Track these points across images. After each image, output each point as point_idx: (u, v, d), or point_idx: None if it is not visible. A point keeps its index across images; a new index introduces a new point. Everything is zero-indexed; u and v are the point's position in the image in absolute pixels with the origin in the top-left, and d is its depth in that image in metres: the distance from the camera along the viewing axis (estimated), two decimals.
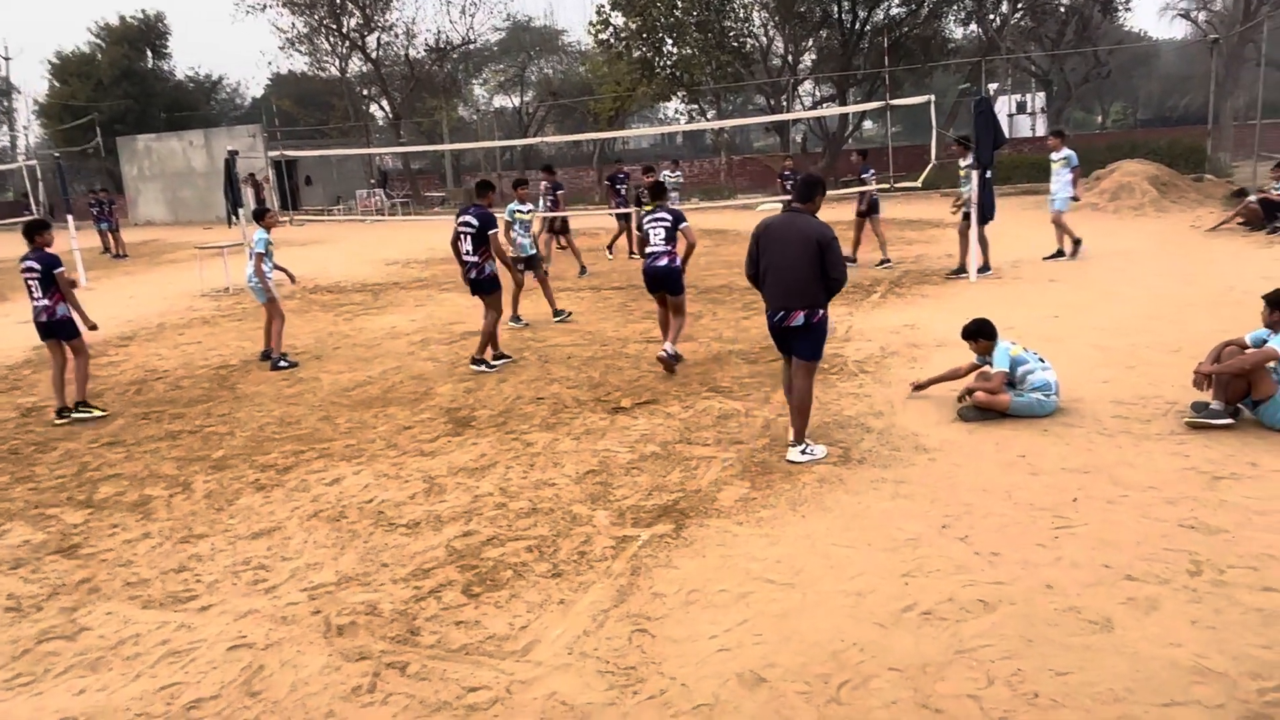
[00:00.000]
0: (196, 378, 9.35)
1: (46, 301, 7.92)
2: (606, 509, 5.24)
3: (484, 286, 8.73)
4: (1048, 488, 5.09)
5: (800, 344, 5.78)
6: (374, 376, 8.85)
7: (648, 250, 8.37)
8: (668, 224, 8.30)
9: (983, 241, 11.97)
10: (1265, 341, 5.76)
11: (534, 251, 11.15)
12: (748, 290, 12.24)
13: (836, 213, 16.50)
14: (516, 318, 10.88)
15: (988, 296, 10.63)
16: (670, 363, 8.05)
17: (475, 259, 8.64)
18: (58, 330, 8.01)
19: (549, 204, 15.71)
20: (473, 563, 4.67)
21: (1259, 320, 5.95)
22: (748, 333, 9.62)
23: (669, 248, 8.25)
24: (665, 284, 8.28)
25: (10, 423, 8.13)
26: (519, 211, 10.81)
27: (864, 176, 13.61)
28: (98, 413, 8.09)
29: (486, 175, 36.12)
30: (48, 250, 7.98)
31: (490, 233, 8.54)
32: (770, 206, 22.10)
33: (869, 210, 13.63)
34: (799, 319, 5.70)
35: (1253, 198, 14.55)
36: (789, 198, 14.26)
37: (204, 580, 4.71)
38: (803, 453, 5.78)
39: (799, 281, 5.64)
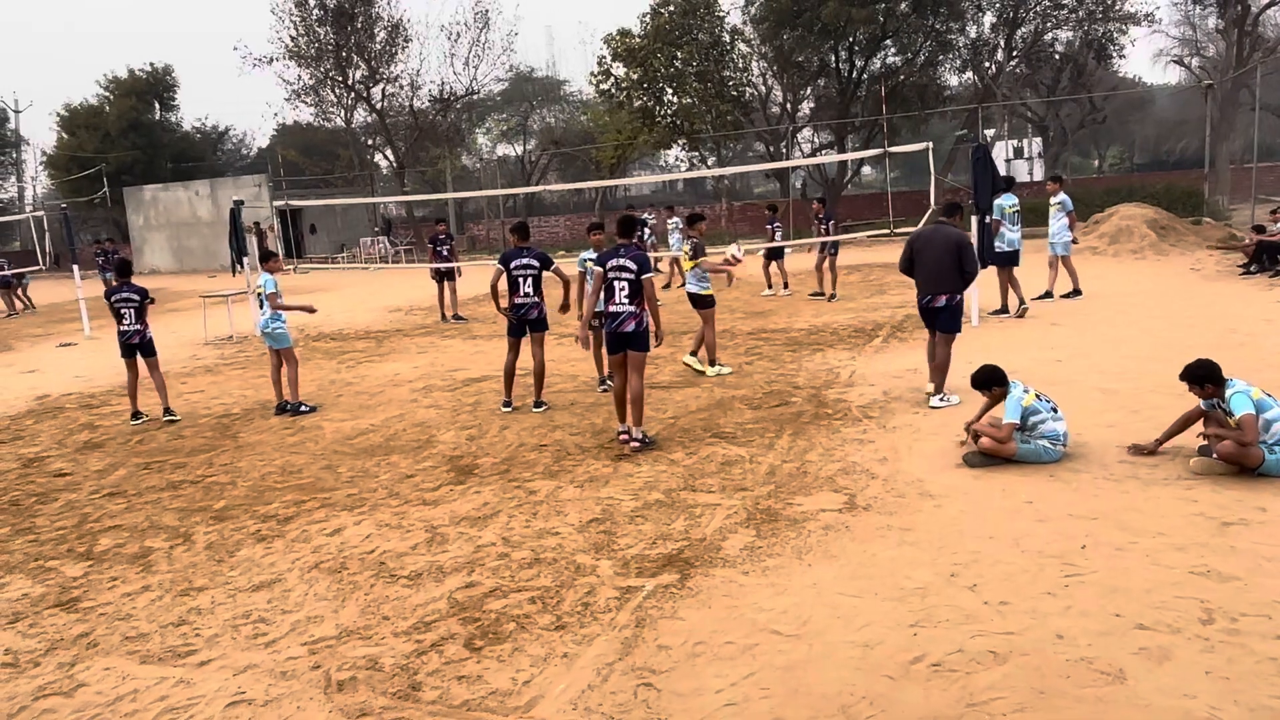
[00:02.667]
0: (199, 427, 9.34)
1: (139, 327, 9.59)
2: (610, 558, 5.19)
3: (540, 325, 8.81)
4: (1056, 534, 5.04)
5: (942, 320, 7.88)
6: (376, 424, 8.84)
7: (611, 309, 7.26)
8: (632, 275, 7.18)
9: (1012, 281, 12.31)
10: (1218, 407, 5.76)
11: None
12: (750, 335, 12.28)
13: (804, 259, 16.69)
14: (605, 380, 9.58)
15: (990, 340, 10.63)
16: (645, 447, 7.29)
17: (536, 299, 8.71)
18: (144, 349, 9.66)
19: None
20: (475, 615, 4.62)
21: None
22: (751, 378, 9.62)
23: (634, 307, 7.19)
24: (631, 343, 7.30)
25: (11, 473, 8.11)
26: (592, 260, 8.97)
27: (830, 224, 15.86)
28: (177, 418, 9.72)
29: (496, 220, 36.38)
30: (137, 284, 9.79)
31: (645, 277, 7.22)
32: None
33: (834, 250, 15.61)
34: (941, 302, 7.82)
35: (1249, 240, 14.65)
36: (828, 238, 15.10)
37: (203, 634, 4.65)
38: (940, 399, 7.77)
39: (941, 273, 7.75)
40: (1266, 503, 5.25)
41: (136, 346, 9.61)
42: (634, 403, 7.34)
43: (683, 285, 17.46)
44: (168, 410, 9.69)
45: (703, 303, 10.00)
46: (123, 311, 9.57)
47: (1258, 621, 3.96)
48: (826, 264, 15.53)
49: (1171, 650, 3.79)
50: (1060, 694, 3.54)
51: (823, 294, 15.60)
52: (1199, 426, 6.06)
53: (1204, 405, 5.91)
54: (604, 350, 8.69)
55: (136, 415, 9.69)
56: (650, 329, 7.34)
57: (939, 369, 7.87)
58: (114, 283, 9.75)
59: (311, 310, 10.17)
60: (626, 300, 7.21)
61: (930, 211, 13.66)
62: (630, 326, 7.22)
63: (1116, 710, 3.42)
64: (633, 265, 7.19)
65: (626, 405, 7.43)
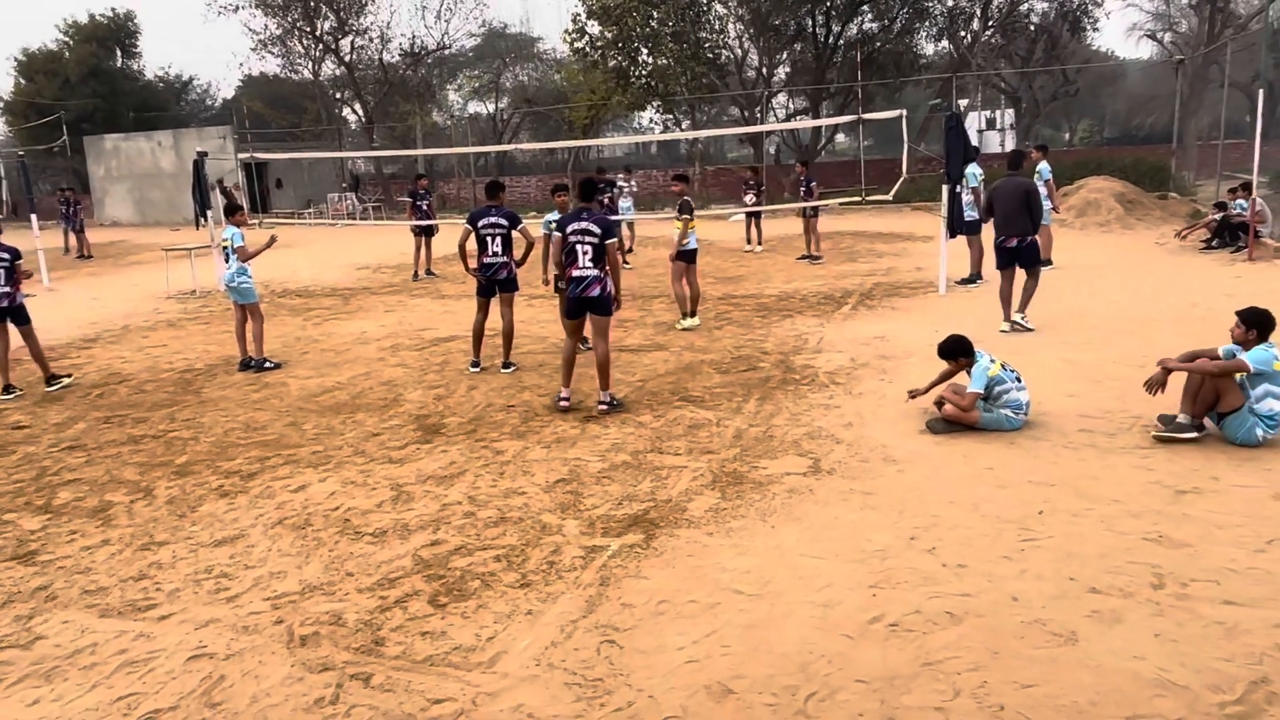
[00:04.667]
0: (161, 381, 9.21)
1: (8, 289, 8.76)
2: (576, 518, 5.21)
3: (509, 285, 8.73)
4: (1014, 500, 5.13)
5: (1021, 258, 9.33)
6: (343, 382, 8.76)
7: (574, 274, 7.14)
8: (595, 239, 7.11)
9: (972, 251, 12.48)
10: (1236, 355, 5.85)
11: None
12: (720, 300, 12.29)
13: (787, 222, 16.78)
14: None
15: (957, 309, 10.72)
16: (612, 409, 7.27)
17: (504, 259, 8.61)
18: (15, 316, 8.85)
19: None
20: (440, 572, 4.62)
21: (1222, 336, 6.04)
22: (720, 342, 9.64)
23: (598, 271, 7.11)
24: (594, 308, 7.24)
25: None
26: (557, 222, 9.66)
27: (813, 185, 16.34)
28: (66, 381, 9.19)
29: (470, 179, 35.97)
30: (7, 244, 8.92)
31: (609, 242, 7.20)
32: (740, 218, 22.24)
33: (815, 213, 16.08)
34: (1013, 243, 9.25)
35: (1210, 217, 14.86)
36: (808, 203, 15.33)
37: (164, 589, 4.62)
38: (1021, 319, 9.36)
39: (1013, 216, 9.22)
40: (1220, 472, 5.37)
41: (5, 312, 8.73)
42: (601, 368, 7.31)
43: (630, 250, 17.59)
44: (52, 378, 9.06)
45: (694, 256, 10.57)
46: None
47: (1207, 587, 4.07)
48: (809, 226, 15.76)
49: (1123, 613, 3.88)
50: (1014, 654, 3.62)
51: (811, 256, 15.79)
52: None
53: (1224, 350, 5.96)
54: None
55: (8, 389, 8.78)
56: (611, 293, 7.26)
57: (1026, 295, 9.39)
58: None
59: (274, 240, 10.02)
60: (591, 264, 7.11)
61: (901, 181, 13.72)
62: (595, 291, 7.13)
63: (1068, 671, 3.50)
64: (596, 229, 7.12)
65: (572, 368, 7.51)
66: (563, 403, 7.40)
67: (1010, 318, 9.39)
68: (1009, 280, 9.41)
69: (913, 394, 6.81)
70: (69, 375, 9.34)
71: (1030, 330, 9.23)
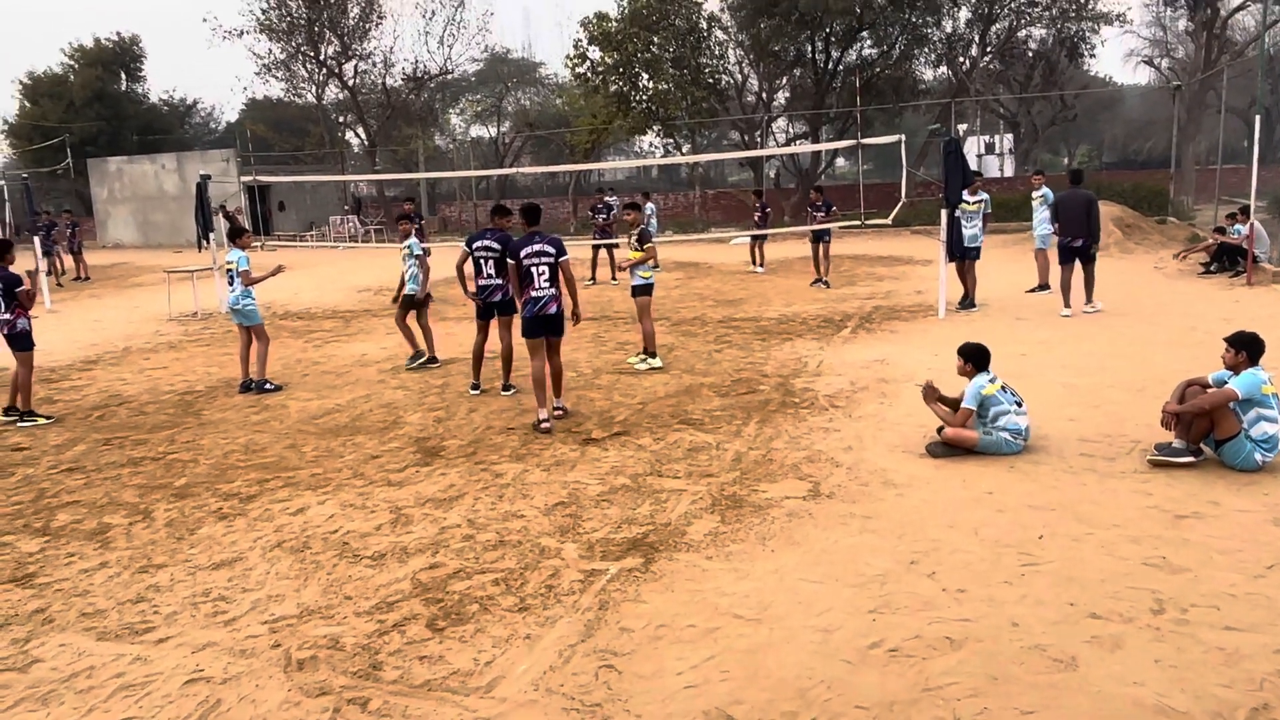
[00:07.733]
0: (161, 403, 9.22)
1: (8, 316, 8.54)
2: (575, 542, 5.20)
3: (506, 308, 8.69)
4: (1014, 524, 5.12)
5: (1080, 253, 11.32)
6: (342, 404, 8.77)
7: (533, 294, 7.53)
8: (550, 259, 7.55)
9: (970, 277, 12.51)
10: (1226, 382, 5.86)
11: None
12: (720, 323, 12.32)
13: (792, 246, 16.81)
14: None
15: (957, 333, 10.72)
16: (565, 416, 7.82)
17: (499, 281, 8.60)
18: (13, 343, 8.60)
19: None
20: (438, 596, 4.61)
21: (1219, 360, 6.06)
22: (719, 365, 9.65)
23: (554, 290, 7.57)
24: (551, 327, 7.68)
25: None
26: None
27: (834, 209, 16.29)
28: (42, 420, 8.63)
29: (461, 203, 36.12)
30: (10, 270, 8.67)
31: (562, 260, 7.63)
32: (741, 240, 22.36)
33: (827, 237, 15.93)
34: (1079, 243, 11.25)
35: (1210, 241, 14.92)
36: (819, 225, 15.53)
37: (162, 611, 4.61)
38: (1090, 307, 11.44)
39: (1079, 222, 11.21)
40: (1219, 496, 5.36)
41: (6, 338, 8.55)
42: (556, 376, 7.91)
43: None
44: (11, 409, 8.60)
45: (642, 291, 9.61)
46: None
47: (1207, 612, 4.05)
48: (822, 252, 15.61)
49: (1123, 639, 3.87)
50: (1013, 680, 3.61)
51: (824, 281, 15.58)
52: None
53: (1214, 377, 6.00)
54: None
55: (8, 411, 8.63)
56: (567, 310, 7.74)
57: (1088, 284, 11.48)
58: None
59: (280, 269, 10.03)
60: (546, 284, 7.55)
61: (900, 205, 13.78)
62: (552, 309, 7.60)
63: (1068, 696, 3.49)
64: (550, 249, 7.55)
65: (547, 390, 7.73)
66: (544, 424, 7.48)
67: (1082, 308, 11.31)
68: (1069, 273, 11.34)
69: (928, 385, 6.65)
70: (49, 417, 8.69)
71: (1100, 309, 11.36)
